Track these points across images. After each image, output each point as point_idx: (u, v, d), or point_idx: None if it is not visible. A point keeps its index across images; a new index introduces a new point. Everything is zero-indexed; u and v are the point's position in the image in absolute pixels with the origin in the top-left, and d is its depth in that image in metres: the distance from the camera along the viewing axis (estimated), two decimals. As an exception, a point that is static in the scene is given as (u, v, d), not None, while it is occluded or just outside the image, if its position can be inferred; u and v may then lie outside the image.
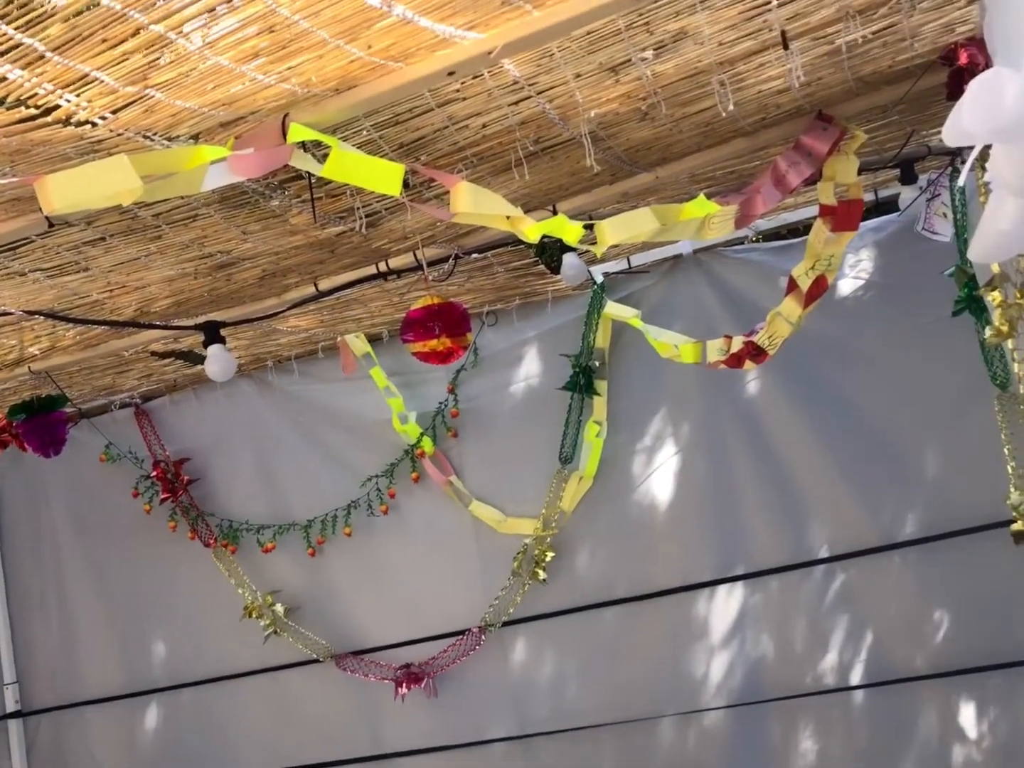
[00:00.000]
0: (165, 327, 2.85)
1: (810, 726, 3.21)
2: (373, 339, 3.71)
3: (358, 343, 3.69)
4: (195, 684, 3.94)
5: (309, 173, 2.04)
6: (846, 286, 3.33)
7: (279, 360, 3.93)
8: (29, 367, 3.22)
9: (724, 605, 3.34)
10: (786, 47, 1.91)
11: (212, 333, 2.77)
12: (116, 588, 4.10)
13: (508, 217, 1.92)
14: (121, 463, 4.08)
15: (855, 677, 3.20)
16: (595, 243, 2.06)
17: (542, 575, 3.49)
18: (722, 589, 3.35)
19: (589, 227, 2.00)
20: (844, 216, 2.53)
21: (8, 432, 3.83)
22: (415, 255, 2.80)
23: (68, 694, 4.12)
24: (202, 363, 3.64)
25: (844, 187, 2.48)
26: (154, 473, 3.98)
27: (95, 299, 2.61)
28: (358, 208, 2.22)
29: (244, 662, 3.85)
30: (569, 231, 1.96)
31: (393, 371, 3.73)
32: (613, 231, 2.02)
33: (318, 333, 3.68)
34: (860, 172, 2.48)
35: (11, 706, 4.12)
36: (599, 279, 3.52)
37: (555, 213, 2.53)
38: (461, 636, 3.57)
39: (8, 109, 1.41)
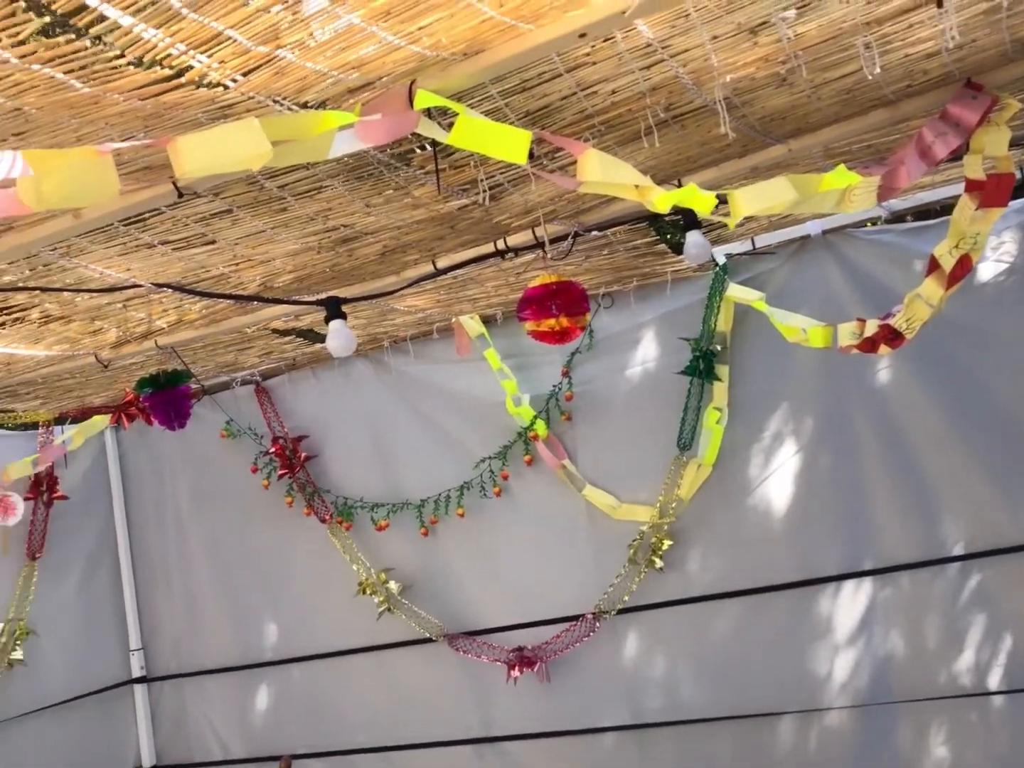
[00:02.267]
0: (288, 302, 2.87)
1: (943, 730, 3.04)
2: (487, 320, 3.70)
3: (473, 324, 3.68)
4: (308, 659, 4.00)
5: (434, 142, 2.02)
6: (987, 270, 3.14)
7: (395, 341, 3.95)
8: (156, 341, 3.30)
9: (850, 601, 3.20)
10: (940, 4, 1.78)
11: (334, 308, 2.78)
12: (234, 561, 4.20)
13: (636, 186, 1.84)
14: (241, 439, 4.17)
15: (993, 681, 3.02)
16: (727, 215, 1.97)
17: (659, 563, 3.41)
18: (848, 584, 3.21)
19: (722, 198, 1.91)
20: (993, 191, 2.37)
21: (135, 406, 3.96)
22: (534, 232, 2.75)
23: (189, 663, 4.25)
24: (321, 341, 3.68)
25: (993, 161, 2.32)
26: (273, 449, 4.05)
27: (221, 272, 2.64)
28: (482, 180, 2.18)
29: (356, 638, 3.90)
30: (701, 201, 1.88)
31: (507, 353, 3.71)
32: (748, 201, 1.93)
33: (433, 314, 3.68)
34: (1011, 146, 2.32)
35: (137, 672, 4.28)
36: (721, 260, 3.41)
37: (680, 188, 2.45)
38: (574, 622, 3.52)
39: (145, 70, 1.41)
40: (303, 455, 4.04)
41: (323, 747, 3.79)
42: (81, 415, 4.07)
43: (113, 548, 4.36)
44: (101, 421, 4.20)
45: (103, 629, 4.22)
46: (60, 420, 4.13)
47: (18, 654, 3.78)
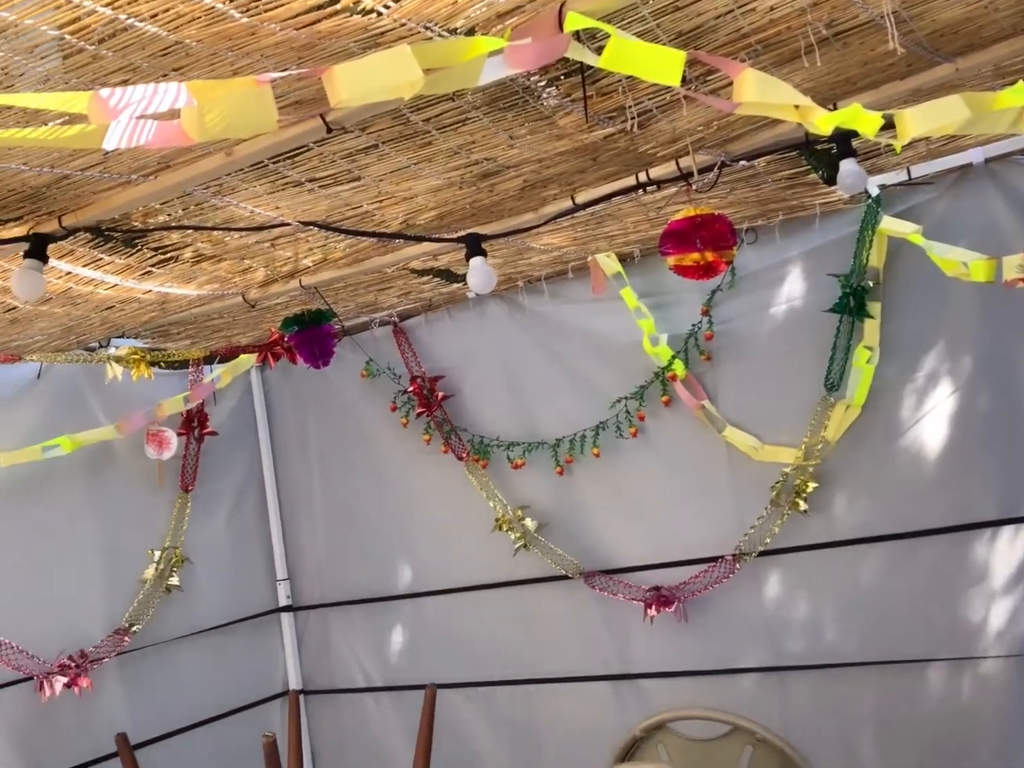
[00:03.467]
0: (429, 239, 2.88)
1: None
2: (624, 259, 3.63)
3: (609, 263, 3.62)
4: (444, 592, 4.08)
5: (582, 67, 1.97)
6: None
7: (529, 281, 3.93)
8: (300, 281, 3.38)
9: (1009, 547, 3.05)
10: None
11: (474, 245, 2.78)
12: (373, 496, 4.30)
13: (796, 107, 1.75)
14: (380, 379, 4.24)
15: None
16: (893, 138, 1.85)
17: (803, 506, 3.32)
18: (1007, 530, 3.05)
19: (887, 120, 1.80)
20: None
21: (280, 345, 4.08)
22: (677, 163, 2.67)
23: (331, 593, 4.40)
24: (458, 281, 3.71)
25: None
26: (411, 389, 4.11)
27: (365, 210, 2.67)
28: (630, 107, 2.12)
29: (492, 574, 3.95)
30: (866, 121, 1.77)
31: (644, 292, 3.64)
32: (917, 121, 1.80)
33: (569, 252, 3.63)
34: None
35: (283, 600, 4.46)
36: (874, 192, 3.24)
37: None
38: (713, 563, 3.47)
39: (300, -3, 1.41)
40: (440, 394, 4.09)
41: (460, 679, 3.87)
42: (229, 354, 4.22)
43: (260, 482, 4.53)
44: (247, 360, 4.35)
45: (252, 559, 4.41)
46: (209, 359, 4.29)
47: (175, 580, 3.99)
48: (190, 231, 2.72)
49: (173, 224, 2.63)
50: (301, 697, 4.37)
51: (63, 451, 3.65)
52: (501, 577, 3.93)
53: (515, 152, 2.40)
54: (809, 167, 2.96)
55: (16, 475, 3.56)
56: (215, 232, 2.74)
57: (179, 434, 4.14)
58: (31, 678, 3.41)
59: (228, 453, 4.40)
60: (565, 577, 3.76)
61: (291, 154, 2.28)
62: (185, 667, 3.99)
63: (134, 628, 3.79)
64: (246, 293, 3.48)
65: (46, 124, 1.63)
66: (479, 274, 2.73)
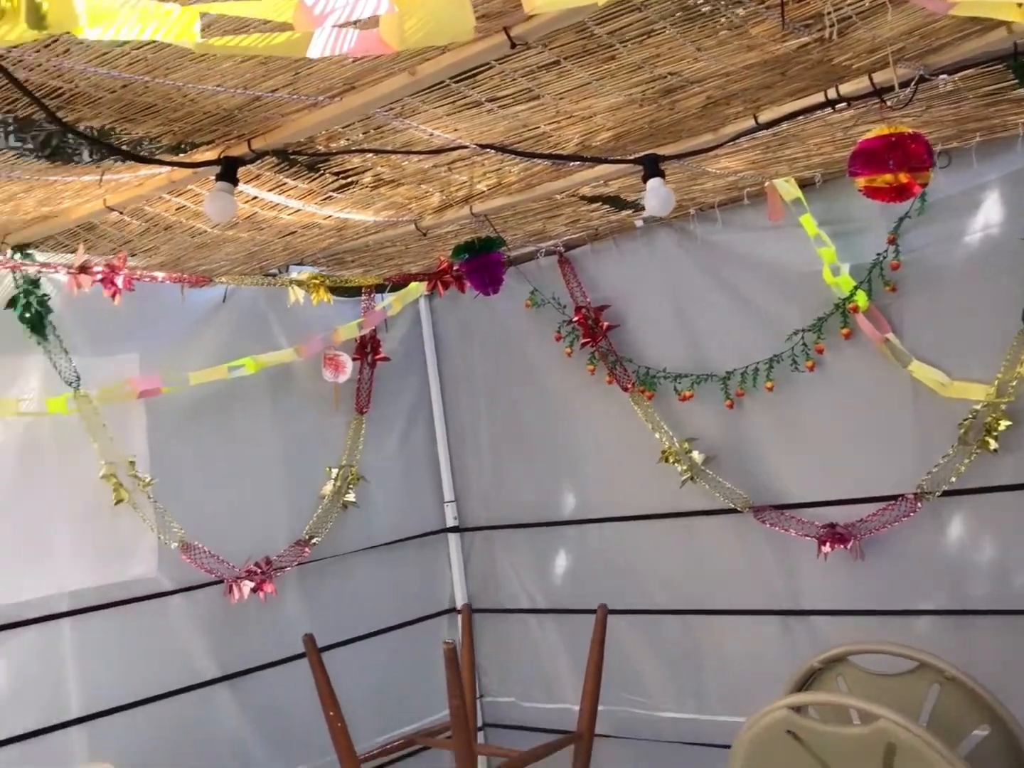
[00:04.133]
0: (607, 160, 2.83)
1: None
2: (804, 184, 3.47)
3: (788, 188, 3.47)
4: (608, 520, 4.11)
5: (780, -30, 1.87)
6: None
7: (701, 208, 3.82)
8: (471, 208, 3.40)
9: None
10: None
11: (652, 165, 2.71)
12: (537, 424, 4.35)
13: (1021, 4, 1.60)
14: (544, 309, 4.25)
15: None
16: None
17: (993, 445, 3.14)
18: None
19: None
20: None
21: (449, 273, 4.13)
22: (870, 78, 2.51)
23: (496, 516, 4.50)
24: (628, 208, 3.65)
25: None
26: (576, 319, 4.10)
27: (542, 131, 2.64)
28: (828, 13, 2.00)
29: (657, 505, 3.94)
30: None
31: (825, 219, 3.49)
32: None
33: (746, 177, 3.50)
34: None
35: (450, 521, 4.59)
36: (1090, 107, 2.97)
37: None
38: (892, 502, 3.34)
39: None
40: (605, 324, 4.07)
41: (623, 605, 3.89)
42: (400, 282, 4.31)
43: (428, 407, 4.65)
44: (417, 289, 4.44)
45: (421, 480, 4.55)
46: (380, 288, 4.40)
47: (351, 497, 4.16)
48: (370, 155, 2.77)
49: (354, 148, 2.68)
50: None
51: (247, 371, 3.83)
52: (666, 508, 3.92)
53: (701, 66, 2.31)
54: (1017, 81, 2.74)
55: (206, 394, 3.76)
56: (394, 156, 2.78)
57: (353, 359, 4.28)
58: (222, 581, 3.64)
59: (399, 378, 4.52)
60: (733, 511, 3.70)
61: (472, 72, 2.27)
62: (359, 580, 4.17)
63: (313, 540, 3.99)
64: (418, 221, 3.53)
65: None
66: (657, 196, 2.67)
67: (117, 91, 2.11)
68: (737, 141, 2.90)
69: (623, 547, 4.07)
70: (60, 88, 2.06)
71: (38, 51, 1.87)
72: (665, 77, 2.35)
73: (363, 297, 4.39)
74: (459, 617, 4.51)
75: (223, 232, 3.28)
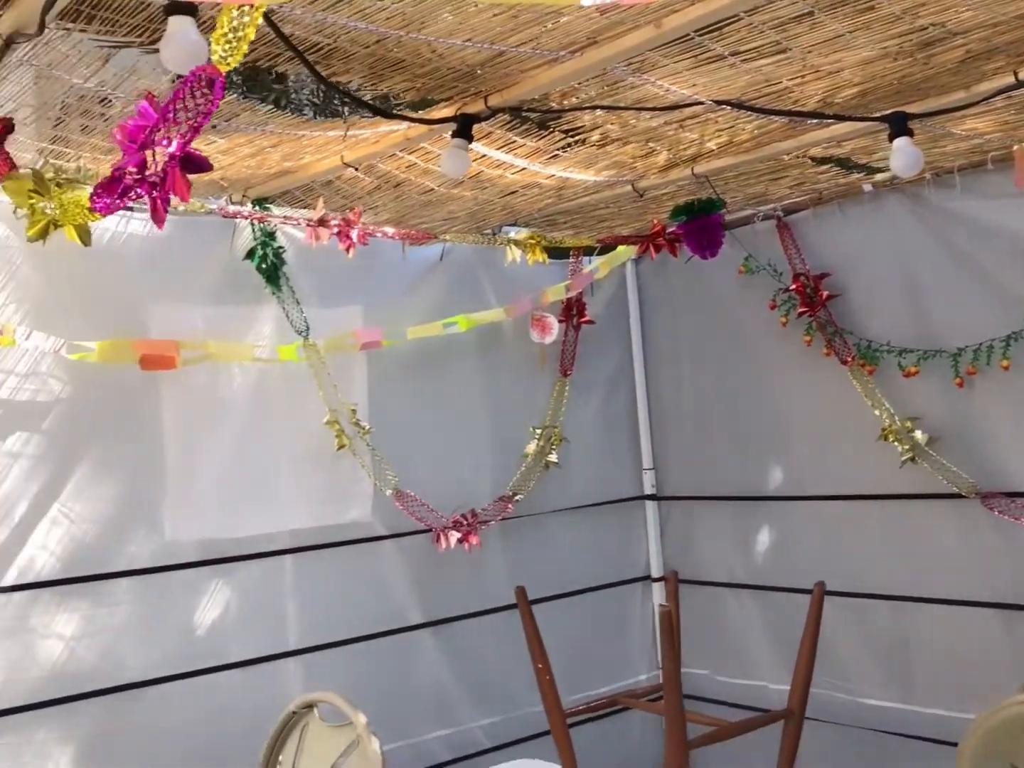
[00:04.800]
0: (851, 118, 2.69)
1: None
2: (1060, 148, 3.19)
3: (1042, 151, 3.20)
4: (817, 499, 3.96)
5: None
6: None
7: (937, 173, 3.58)
8: (692, 169, 3.32)
9: None
10: None
11: (900, 124, 2.56)
12: (744, 395, 4.23)
13: None
14: (759, 276, 4.12)
15: None
16: None
17: None
18: None
19: None
20: None
21: (662, 236, 4.06)
22: None
23: (696, 486, 4.43)
24: (859, 171, 3.47)
25: None
26: (793, 287, 3.95)
27: (783, 87, 2.54)
28: None
29: (873, 485, 3.77)
30: None
31: (1080, 186, 3.19)
32: None
33: (992, 140, 3.25)
34: None
35: (648, 489, 4.56)
36: None
37: None
38: None
39: None
40: (825, 293, 3.90)
41: (830, 587, 3.74)
42: (611, 244, 4.28)
43: (630, 373, 4.62)
44: (625, 252, 4.40)
45: (620, 446, 4.54)
46: (588, 251, 4.38)
47: (553, 457, 4.20)
48: (601, 112, 2.74)
49: (588, 104, 2.66)
50: (659, 585, 4.48)
51: (460, 328, 3.92)
52: (882, 490, 3.74)
53: (968, 16, 2.15)
54: None
55: (421, 348, 3.87)
56: (625, 113, 2.74)
57: (560, 321, 4.30)
58: (430, 530, 3.76)
59: (602, 342, 4.51)
60: (956, 496, 3.49)
61: (719, 25, 2.20)
62: (557, 540, 4.22)
63: (517, 497, 4.05)
64: (636, 182, 3.48)
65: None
66: (904, 156, 2.52)
67: (371, 46, 2.17)
68: (991, 100, 2.70)
69: (832, 527, 3.92)
70: (320, 43, 2.14)
71: (306, 6, 1.94)
72: (926, 28, 2.20)
73: (570, 259, 4.39)
74: (653, 585, 4.51)
75: (448, 190, 3.34)
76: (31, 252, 3.04)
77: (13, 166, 1.96)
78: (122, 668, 3.10)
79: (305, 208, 3.52)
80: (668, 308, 4.58)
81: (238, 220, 3.45)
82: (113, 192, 1.50)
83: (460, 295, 4.05)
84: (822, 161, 3.40)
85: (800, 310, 3.94)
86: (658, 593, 4.50)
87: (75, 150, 2.75)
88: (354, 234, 3.15)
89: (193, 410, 3.36)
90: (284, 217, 3.30)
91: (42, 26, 1.78)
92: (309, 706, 2.44)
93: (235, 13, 1.33)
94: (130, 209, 3.04)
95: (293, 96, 2.44)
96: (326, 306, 3.68)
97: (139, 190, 1.48)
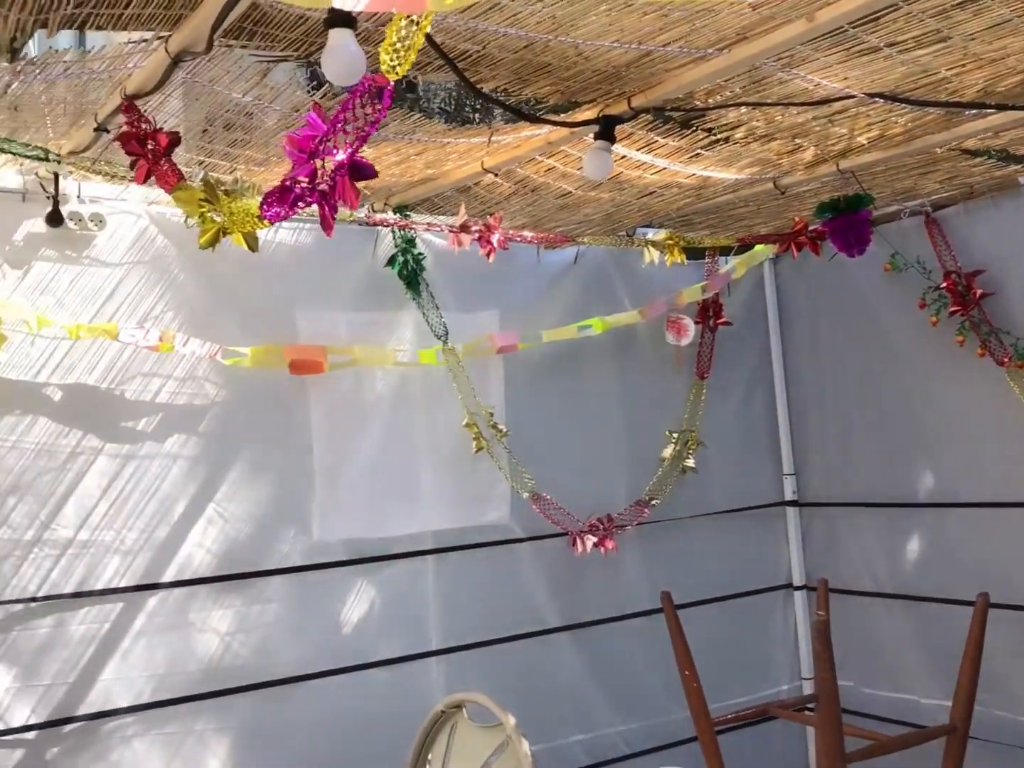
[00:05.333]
0: (1014, 107, 2.56)
1: None
2: None
3: None
4: (971, 506, 3.78)
5: None
6: None
7: (1102, 162, 3.37)
8: (838, 165, 3.22)
9: None
10: None
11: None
12: (891, 397, 4.07)
13: None
14: (906, 273, 3.96)
15: None
16: None
17: None
18: None
19: None
20: None
21: (804, 234, 3.95)
22: None
23: (839, 492, 4.29)
24: (1016, 163, 3.30)
25: None
26: (944, 285, 3.79)
27: (940, 77, 2.43)
28: None
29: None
30: None
31: None
32: None
33: None
34: None
35: (789, 495, 4.43)
36: None
37: None
38: None
39: None
40: (979, 291, 3.72)
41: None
42: (749, 243, 4.19)
43: (768, 375, 4.51)
44: (763, 252, 4.30)
45: (759, 450, 4.43)
46: (724, 251, 4.30)
47: (690, 462, 4.14)
48: (746, 109, 2.69)
49: (734, 102, 2.61)
50: (801, 593, 4.37)
51: (595, 331, 3.91)
52: (1033, 494, 3.55)
53: None
54: None
55: (556, 351, 3.87)
56: (771, 109, 2.68)
57: (696, 322, 4.24)
58: (566, 533, 3.76)
59: (739, 344, 4.42)
60: None
61: (874, 16, 2.12)
62: (694, 545, 4.15)
63: (653, 502, 4.01)
64: (778, 179, 3.40)
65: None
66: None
67: (519, 51, 2.19)
68: None
69: (990, 536, 3.72)
70: (468, 51, 2.17)
71: (458, 15, 1.97)
72: (1104, 8, 2.07)
73: (706, 260, 4.32)
74: (795, 594, 4.40)
75: (585, 193, 3.34)
76: (188, 262, 3.20)
77: (181, 177, 2.06)
78: (274, 664, 3.20)
79: (443, 215, 3.57)
80: (808, 308, 4.45)
81: (379, 228, 3.52)
82: (284, 201, 1.56)
83: (594, 298, 4.04)
84: (976, 153, 3.25)
85: (952, 309, 3.77)
86: (801, 602, 4.38)
87: (229, 162, 2.87)
88: (495, 239, 3.18)
89: (339, 413, 3.45)
90: (428, 224, 3.36)
91: (211, 44, 1.85)
92: (458, 706, 2.46)
93: (403, 23, 1.36)
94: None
95: (425, 104, 2.48)
96: (463, 311, 3.72)
97: (309, 198, 1.53)
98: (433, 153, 2.88)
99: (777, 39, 2.19)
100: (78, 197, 3.04)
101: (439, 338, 3.60)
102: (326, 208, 1.53)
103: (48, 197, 2.96)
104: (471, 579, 3.63)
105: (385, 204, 3.49)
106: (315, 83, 2.29)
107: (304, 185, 1.52)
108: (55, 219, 2.96)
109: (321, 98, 2.31)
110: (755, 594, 4.30)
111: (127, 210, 3.13)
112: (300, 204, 1.57)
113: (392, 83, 1.40)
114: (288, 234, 3.39)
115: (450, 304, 3.68)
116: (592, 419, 4.00)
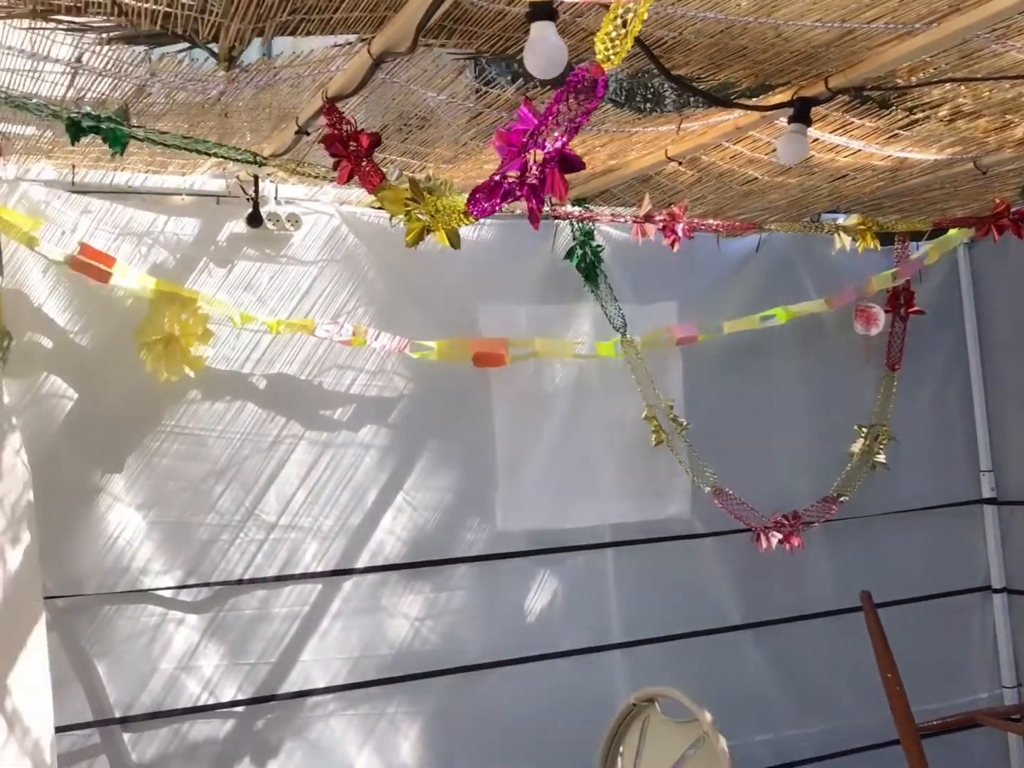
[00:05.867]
0: None
1: None
2: None
3: None
4: None
5: None
6: None
7: None
8: (1049, 141, 3.01)
9: None
10: None
11: None
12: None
13: None
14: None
15: None
16: None
17: None
18: None
19: None
20: None
21: (1007, 216, 3.71)
22: None
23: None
24: None
25: None
26: None
27: None
28: None
29: None
30: None
31: None
32: None
33: None
34: None
35: (987, 492, 4.18)
36: None
37: None
38: None
39: None
40: None
41: None
42: (943, 227, 3.97)
43: (964, 366, 4.27)
44: (957, 236, 4.07)
45: (953, 445, 4.20)
46: (915, 235, 4.10)
47: (881, 457, 3.96)
48: (951, 86, 2.55)
49: (938, 79, 2.48)
50: (1002, 596, 4.12)
51: (778, 321, 3.79)
52: None
53: None
54: None
55: (737, 342, 3.78)
56: (980, 85, 2.53)
57: (886, 311, 4.05)
58: (749, 529, 3.67)
59: (932, 333, 4.20)
60: None
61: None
62: (884, 544, 3.97)
63: (841, 498, 3.86)
64: (979, 159, 3.21)
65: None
66: None
67: (715, 36, 2.14)
68: None
69: None
70: (663, 38, 2.14)
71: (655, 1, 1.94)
72: None
73: (896, 245, 4.13)
74: (994, 597, 4.16)
75: (772, 179, 3.24)
76: (376, 259, 3.31)
77: (383, 177, 2.12)
78: (462, 650, 3.28)
79: (620, 206, 3.55)
80: (1009, 294, 4.19)
81: (557, 221, 3.54)
82: (494, 196, 1.58)
83: (777, 286, 3.92)
84: None
85: None
86: (1001, 605, 4.13)
87: (420, 160, 2.94)
88: (679, 228, 3.13)
89: (519, 405, 3.49)
90: (612, 215, 3.34)
91: (415, 44, 1.90)
92: (650, 700, 2.45)
93: (619, 10, 1.35)
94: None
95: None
96: (641, 302, 3.69)
97: (519, 192, 1.54)
98: (618, 143, 2.86)
99: (993, 9, 2.06)
100: (275, 199, 3.19)
101: (617, 330, 3.59)
102: (534, 201, 1.54)
103: (248, 199, 3.11)
104: (651, 573, 3.60)
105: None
106: (509, 78, 2.30)
107: (513, 179, 1.54)
108: (255, 220, 3.12)
109: (515, 93, 2.34)
110: (949, 596, 4.09)
111: (320, 210, 3.26)
112: (509, 199, 1.58)
113: (606, 73, 1.40)
114: (469, 230, 3.45)
115: (628, 296, 3.66)
116: (775, 412, 3.89)
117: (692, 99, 2.46)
